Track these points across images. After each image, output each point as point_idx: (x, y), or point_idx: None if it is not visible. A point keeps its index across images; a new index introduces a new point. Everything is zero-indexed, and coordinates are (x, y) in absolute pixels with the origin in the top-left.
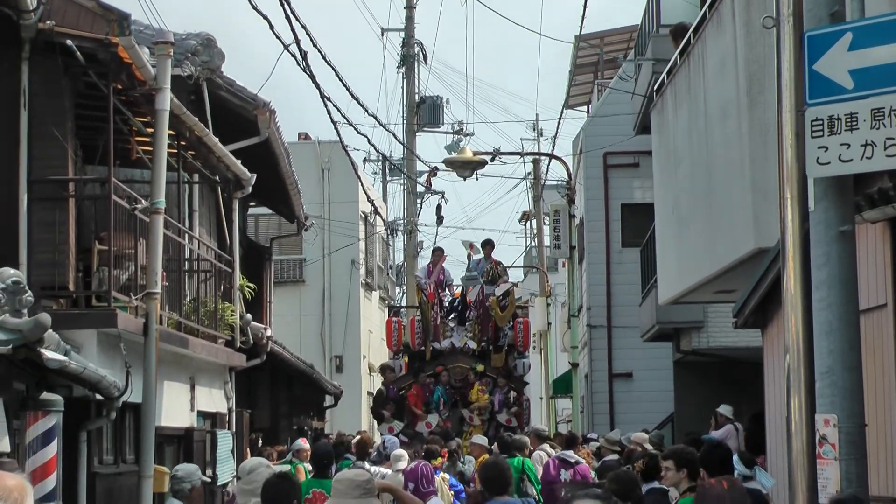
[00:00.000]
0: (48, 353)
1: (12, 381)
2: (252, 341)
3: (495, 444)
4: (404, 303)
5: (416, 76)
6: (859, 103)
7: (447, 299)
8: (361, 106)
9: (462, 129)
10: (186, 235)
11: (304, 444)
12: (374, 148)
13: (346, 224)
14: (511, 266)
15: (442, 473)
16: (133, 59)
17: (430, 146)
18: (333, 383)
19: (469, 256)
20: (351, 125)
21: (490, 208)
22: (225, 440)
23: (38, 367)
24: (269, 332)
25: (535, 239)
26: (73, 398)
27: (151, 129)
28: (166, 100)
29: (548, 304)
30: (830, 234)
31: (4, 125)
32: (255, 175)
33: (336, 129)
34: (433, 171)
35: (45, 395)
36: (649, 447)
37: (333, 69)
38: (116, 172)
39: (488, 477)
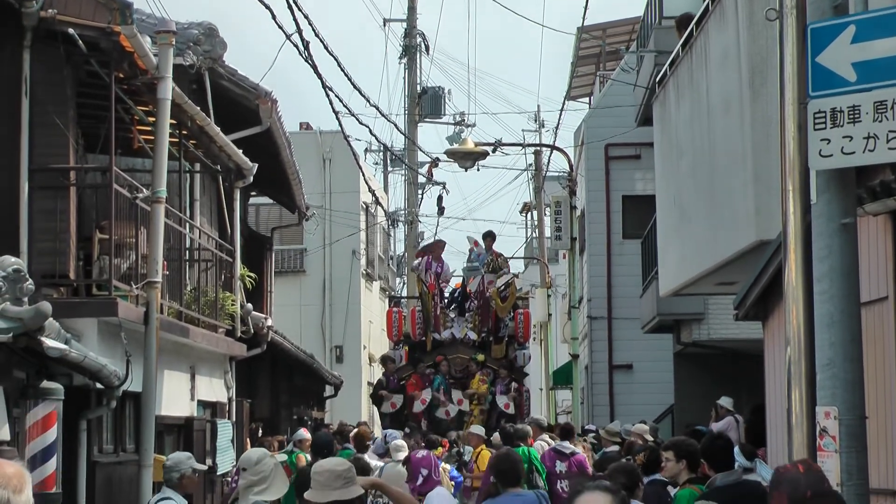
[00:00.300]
0: (49, 342)
1: (13, 369)
2: (252, 331)
3: (496, 434)
4: (405, 293)
5: (418, 66)
6: (862, 96)
7: (447, 290)
8: (363, 96)
9: (463, 120)
10: (187, 225)
11: (305, 433)
12: (376, 138)
13: (347, 214)
14: (512, 257)
15: (443, 464)
16: (135, 48)
17: (432, 137)
18: (334, 373)
19: (471, 250)
20: (352, 115)
21: (491, 199)
22: (225, 430)
23: (39, 356)
24: (269, 322)
25: (536, 230)
26: (73, 387)
27: (153, 118)
28: (168, 89)
29: (548, 296)
30: (832, 227)
31: (6, 113)
32: (256, 164)
33: (338, 118)
34: (434, 162)
35: (46, 384)
36: (650, 439)
37: (335, 59)
38: (118, 161)
39: (501, 469)
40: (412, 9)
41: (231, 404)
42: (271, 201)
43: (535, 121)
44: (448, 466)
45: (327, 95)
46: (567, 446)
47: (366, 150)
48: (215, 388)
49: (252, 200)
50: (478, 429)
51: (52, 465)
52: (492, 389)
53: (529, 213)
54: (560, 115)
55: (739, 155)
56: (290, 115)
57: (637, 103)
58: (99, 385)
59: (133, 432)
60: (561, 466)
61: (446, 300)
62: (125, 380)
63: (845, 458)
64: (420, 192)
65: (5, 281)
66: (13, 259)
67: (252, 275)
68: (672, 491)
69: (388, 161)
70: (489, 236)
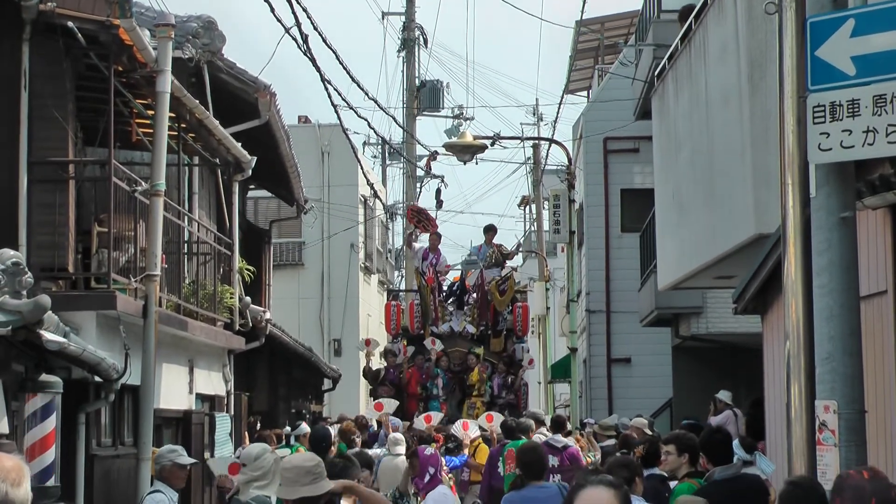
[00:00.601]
0: (47, 335)
1: (11, 362)
2: (251, 324)
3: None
4: (403, 286)
5: (417, 60)
6: (861, 90)
7: (446, 283)
8: (361, 89)
9: (462, 114)
10: (186, 218)
11: (307, 427)
12: (374, 131)
13: (346, 207)
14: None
15: (441, 458)
16: (134, 42)
17: (430, 130)
18: (332, 367)
19: (480, 248)
20: (351, 108)
21: (489, 193)
22: (223, 423)
23: (38, 349)
24: (267, 315)
25: (535, 223)
26: (71, 380)
27: (152, 112)
28: (167, 82)
29: (547, 289)
30: (831, 221)
31: (5, 107)
32: (255, 158)
33: (336, 112)
34: (433, 156)
35: (44, 377)
36: (649, 433)
37: (334, 52)
38: (116, 154)
39: (526, 462)
40: (411, 2)
41: (229, 397)
42: (270, 194)
43: (534, 114)
44: (444, 459)
45: (326, 89)
46: (559, 440)
47: (364, 144)
48: (214, 382)
49: (250, 194)
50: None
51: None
52: (490, 384)
53: (528, 207)
54: (559, 108)
55: (738, 148)
56: (288, 109)
57: (635, 97)
58: (97, 378)
59: (131, 426)
60: (553, 461)
61: (444, 293)
62: (124, 373)
63: (844, 452)
64: (418, 185)
65: (4, 274)
66: (12, 252)
67: (250, 268)
68: (671, 485)
69: (387, 154)
70: (490, 230)
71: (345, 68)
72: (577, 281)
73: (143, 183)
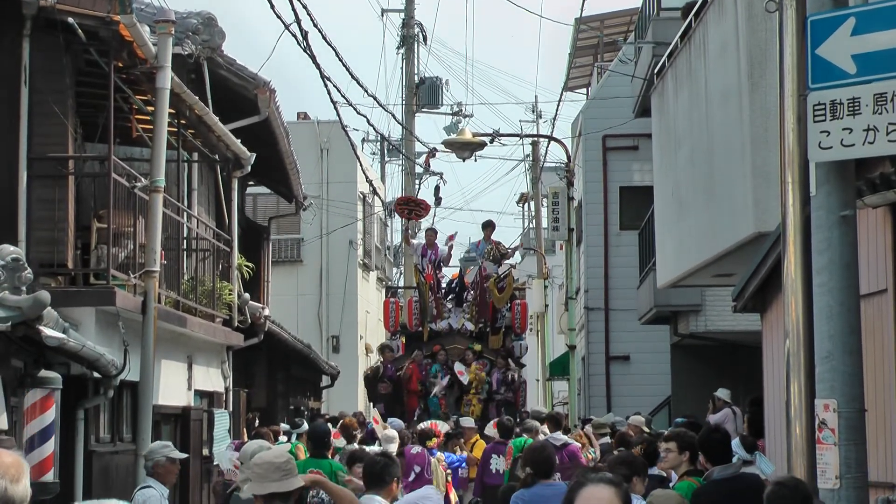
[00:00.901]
0: (47, 331)
1: (10, 358)
2: (249, 321)
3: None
4: (402, 283)
5: (416, 57)
6: (862, 88)
7: (444, 280)
8: (361, 86)
9: (461, 111)
10: (185, 214)
11: (307, 425)
12: (374, 128)
13: (345, 204)
14: (509, 248)
15: (438, 454)
16: (134, 38)
17: (429, 127)
18: (330, 363)
19: (479, 243)
20: (350, 105)
21: (488, 190)
22: (222, 419)
23: (37, 345)
24: (266, 312)
25: (533, 221)
26: (70, 376)
27: (152, 108)
28: (167, 78)
29: (545, 287)
30: (832, 219)
31: (5, 102)
32: (254, 154)
33: (335, 108)
34: (432, 152)
35: (44, 373)
36: (647, 430)
37: (333, 49)
38: (116, 150)
39: (536, 460)
40: None
41: (228, 394)
42: (269, 191)
43: (533, 111)
44: (443, 456)
45: (325, 85)
46: (558, 437)
47: (363, 140)
48: (212, 378)
49: (249, 190)
50: (468, 421)
51: (50, 447)
52: (489, 379)
53: (526, 204)
54: (558, 105)
55: (738, 146)
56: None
57: (635, 94)
58: (96, 374)
59: (130, 422)
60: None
61: (443, 290)
62: (122, 369)
63: (844, 450)
64: (417, 182)
65: (4, 270)
66: (12, 248)
67: (249, 264)
68: (670, 485)
69: (386, 151)
70: (488, 226)
71: (344, 65)
72: (575, 278)
73: (142, 179)
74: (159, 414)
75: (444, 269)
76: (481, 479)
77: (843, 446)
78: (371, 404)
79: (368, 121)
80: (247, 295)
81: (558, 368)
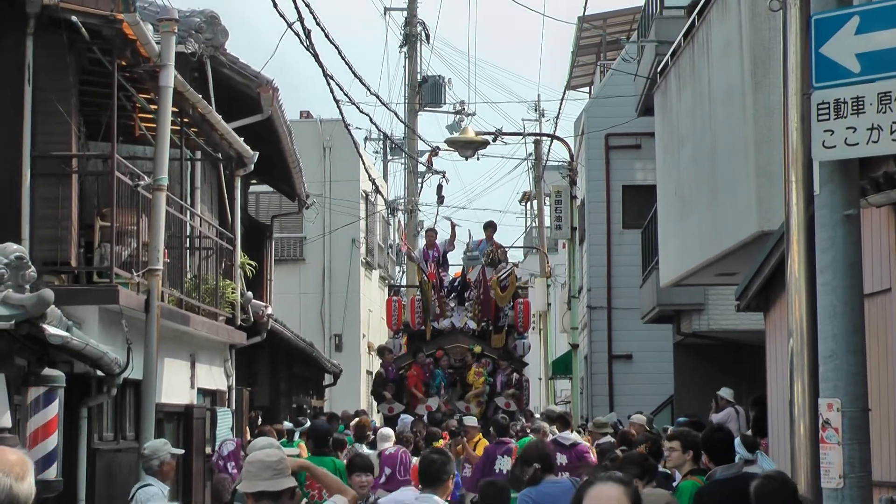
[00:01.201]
0: (50, 329)
1: (14, 356)
2: (252, 319)
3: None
4: (404, 282)
5: (419, 55)
6: (866, 87)
7: (447, 279)
8: (363, 85)
9: (464, 109)
10: (188, 212)
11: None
12: (376, 127)
13: (347, 203)
14: (511, 246)
15: None
16: (137, 36)
17: (432, 126)
18: (333, 362)
19: (480, 242)
20: (353, 104)
21: (491, 188)
22: (225, 418)
23: (40, 343)
24: (269, 310)
25: (536, 219)
26: (74, 374)
27: (155, 106)
28: (170, 77)
29: (548, 285)
30: (835, 218)
31: (9, 100)
32: (257, 153)
33: (338, 107)
34: (434, 151)
35: (47, 371)
36: (649, 430)
37: (336, 47)
38: (119, 149)
39: (541, 455)
40: None
41: (231, 392)
42: (271, 189)
43: (536, 110)
44: None
45: (328, 84)
46: (567, 437)
47: (366, 139)
48: (215, 376)
49: (252, 188)
50: (471, 420)
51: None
52: (489, 380)
53: (529, 203)
54: (560, 104)
55: (741, 145)
56: (290, 104)
57: (637, 93)
58: (100, 372)
59: (133, 420)
60: (562, 458)
61: (446, 289)
62: (126, 367)
63: (848, 450)
64: (420, 180)
65: (7, 268)
66: (15, 246)
67: (252, 263)
68: (674, 484)
69: (388, 150)
70: (490, 226)
71: (347, 64)
72: (578, 277)
73: (145, 177)
74: (162, 412)
75: (448, 269)
76: (479, 477)
77: (846, 446)
78: (376, 404)
79: (371, 119)
80: (250, 293)
81: (561, 367)
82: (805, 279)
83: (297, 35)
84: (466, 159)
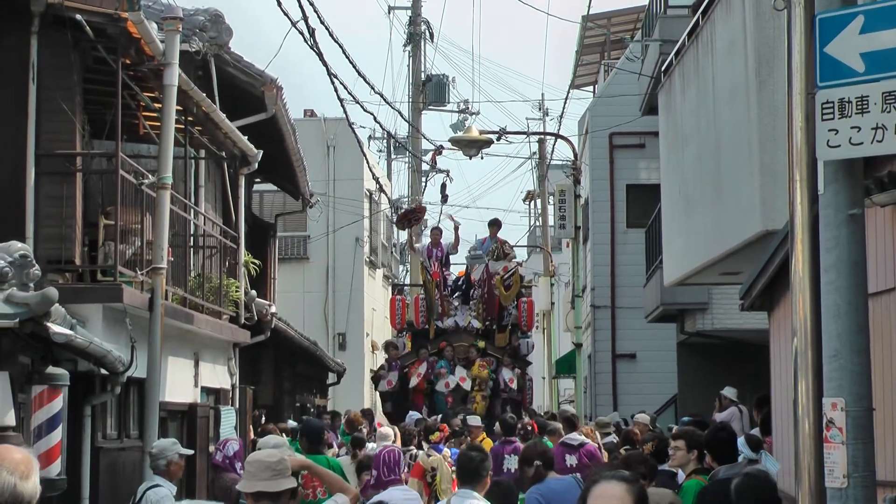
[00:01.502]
0: (55, 328)
1: (18, 354)
2: (256, 318)
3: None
4: (408, 281)
5: (423, 54)
6: (870, 86)
7: (451, 278)
8: (367, 83)
9: (468, 108)
10: (192, 211)
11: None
12: (380, 125)
13: (351, 201)
14: (515, 245)
15: (445, 451)
16: (142, 35)
17: (436, 124)
18: (336, 360)
19: (484, 241)
20: (357, 102)
21: (495, 187)
22: (228, 416)
23: (44, 341)
24: (273, 309)
25: (540, 219)
26: (77, 372)
27: (159, 105)
28: (174, 75)
29: (552, 284)
30: (840, 217)
31: (13, 99)
32: (261, 151)
33: (342, 106)
34: (438, 150)
35: (51, 369)
36: (652, 429)
37: (340, 46)
38: (124, 147)
39: (540, 452)
40: None
41: (234, 391)
42: (275, 188)
43: (540, 109)
44: (449, 452)
45: (332, 83)
46: (575, 437)
47: (370, 138)
48: (219, 375)
49: (256, 187)
50: (474, 419)
51: (57, 436)
52: (493, 376)
53: (533, 202)
54: (564, 103)
55: (745, 144)
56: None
57: (642, 92)
58: (104, 371)
59: (137, 418)
60: (571, 460)
61: (450, 288)
62: (130, 366)
63: (852, 449)
64: (424, 179)
65: (12, 266)
66: (20, 244)
67: (256, 261)
68: (680, 480)
69: (392, 148)
70: (494, 224)
71: (351, 62)
72: (582, 276)
73: (149, 176)
74: (166, 410)
75: (451, 268)
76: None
77: (850, 445)
78: (380, 403)
79: (375, 118)
80: (253, 292)
81: (564, 366)
82: (809, 278)
83: (302, 34)
84: (470, 158)
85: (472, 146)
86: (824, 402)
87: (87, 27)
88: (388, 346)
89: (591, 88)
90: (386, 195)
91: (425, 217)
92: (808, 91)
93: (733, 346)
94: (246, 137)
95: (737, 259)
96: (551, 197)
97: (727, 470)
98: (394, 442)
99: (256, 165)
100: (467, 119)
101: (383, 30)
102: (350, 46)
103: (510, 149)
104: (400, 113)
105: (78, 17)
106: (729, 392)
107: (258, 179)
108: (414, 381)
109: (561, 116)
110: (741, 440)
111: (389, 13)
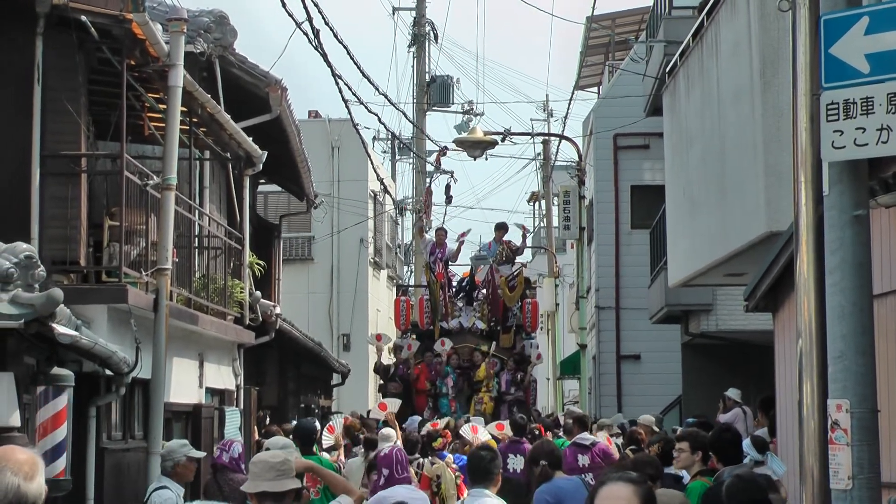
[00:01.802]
0: (60, 328)
1: (23, 355)
2: (261, 318)
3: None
4: (412, 282)
5: (427, 55)
6: (875, 87)
7: (455, 279)
8: (372, 84)
9: (472, 109)
10: (197, 212)
11: (318, 425)
12: (385, 126)
13: (355, 202)
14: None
15: (448, 457)
16: (147, 36)
17: (440, 125)
18: (341, 361)
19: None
20: (362, 104)
21: (499, 188)
22: (233, 417)
23: (49, 342)
24: (277, 310)
25: (544, 220)
26: (82, 373)
27: (164, 106)
28: (179, 76)
29: (556, 286)
30: (844, 219)
31: (18, 100)
32: (265, 152)
33: (347, 107)
34: (443, 151)
35: (56, 370)
36: (657, 430)
37: (345, 47)
38: (128, 148)
39: (548, 451)
40: None
41: (239, 392)
42: (279, 189)
43: (544, 110)
44: (452, 458)
45: (337, 84)
46: (586, 437)
47: (374, 139)
48: (223, 376)
49: (260, 188)
50: (477, 420)
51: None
52: (498, 379)
53: (537, 203)
54: (569, 104)
55: (750, 145)
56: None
57: (646, 93)
58: (108, 372)
59: (142, 419)
60: (583, 460)
61: (454, 289)
62: (134, 367)
63: (857, 451)
64: (428, 180)
65: (17, 267)
66: (25, 245)
67: (260, 262)
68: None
69: (397, 149)
70: (501, 228)
71: (356, 63)
72: (586, 277)
73: (154, 177)
74: (170, 411)
75: (454, 268)
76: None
77: (855, 447)
78: (381, 394)
79: (379, 119)
80: (258, 293)
81: (569, 367)
82: (814, 280)
83: (306, 35)
84: (475, 159)
85: (476, 147)
86: (829, 403)
87: (92, 28)
88: (395, 349)
89: (595, 89)
90: (390, 196)
91: (431, 218)
92: (813, 92)
93: (738, 348)
94: (250, 138)
95: (741, 260)
96: (556, 198)
97: (732, 471)
98: (396, 441)
99: (261, 166)
100: (472, 120)
101: (388, 31)
102: (354, 47)
103: (514, 150)
104: (404, 114)
105: (83, 18)
106: (733, 393)
107: (262, 180)
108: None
109: (565, 117)
110: (747, 441)
111: (394, 14)
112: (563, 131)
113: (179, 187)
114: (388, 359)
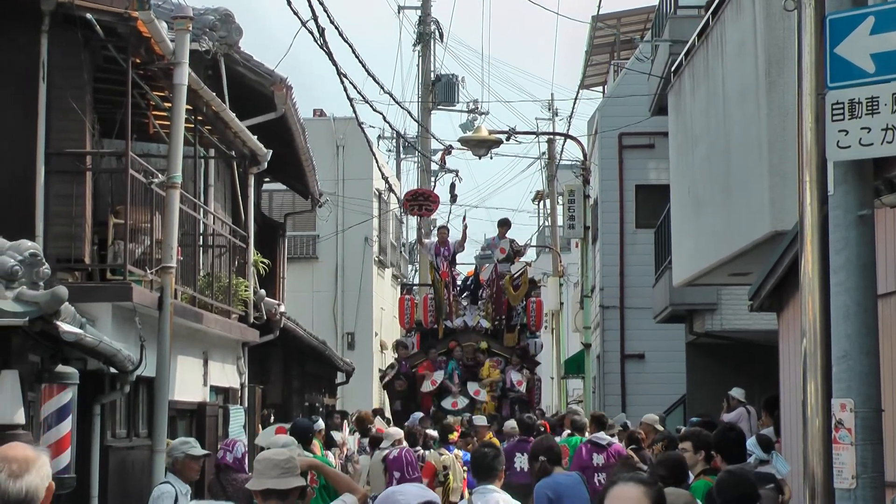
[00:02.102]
0: (64, 326)
1: (27, 353)
2: (265, 317)
3: (507, 423)
4: (417, 280)
5: (432, 54)
6: (881, 87)
7: (460, 278)
8: (377, 83)
9: (477, 108)
10: (202, 210)
11: (322, 423)
12: (390, 125)
13: (360, 201)
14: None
15: (456, 451)
16: (152, 34)
17: (445, 124)
18: (345, 360)
19: (493, 241)
20: (366, 102)
21: (504, 187)
22: (237, 415)
23: (54, 340)
24: (282, 308)
25: (549, 219)
26: (87, 371)
27: (169, 104)
28: (184, 74)
29: (560, 285)
30: (849, 218)
31: (23, 98)
32: (270, 151)
33: (352, 105)
34: (448, 150)
35: (60, 368)
36: (661, 429)
37: (350, 46)
38: (133, 146)
39: (546, 447)
40: None
41: (243, 390)
42: (284, 187)
43: (549, 109)
44: (461, 453)
45: (342, 82)
46: (603, 437)
47: (379, 137)
48: (228, 374)
49: (265, 186)
50: (480, 419)
51: (66, 427)
52: (503, 377)
53: (542, 202)
54: (574, 103)
55: (755, 145)
56: (303, 102)
57: (651, 93)
58: (113, 370)
59: (146, 417)
60: (598, 459)
61: (458, 288)
62: (139, 365)
63: (861, 450)
64: (433, 179)
65: (22, 265)
66: (29, 243)
67: (265, 261)
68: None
69: (402, 148)
70: (504, 224)
71: (360, 62)
72: (591, 276)
73: (159, 175)
74: (175, 409)
75: (459, 267)
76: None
77: (859, 446)
78: (388, 401)
79: (384, 118)
80: (262, 291)
81: (573, 366)
82: (818, 280)
83: (311, 33)
84: (480, 158)
85: (481, 146)
86: (833, 403)
87: (98, 26)
88: (398, 346)
89: (600, 89)
90: (395, 195)
91: (433, 217)
92: (819, 92)
93: (742, 347)
94: (255, 137)
95: (746, 260)
96: (560, 197)
97: None
98: (400, 441)
99: (266, 165)
100: (477, 119)
101: (393, 29)
102: (359, 46)
103: (519, 149)
104: (409, 113)
105: (88, 16)
106: (737, 393)
107: (267, 179)
108: (427, 387)
109: (570, 116)
110: (751, 441)
111: (399, 13)
112: (568, 130)
113: (184, 185)
114: (392, 358)
